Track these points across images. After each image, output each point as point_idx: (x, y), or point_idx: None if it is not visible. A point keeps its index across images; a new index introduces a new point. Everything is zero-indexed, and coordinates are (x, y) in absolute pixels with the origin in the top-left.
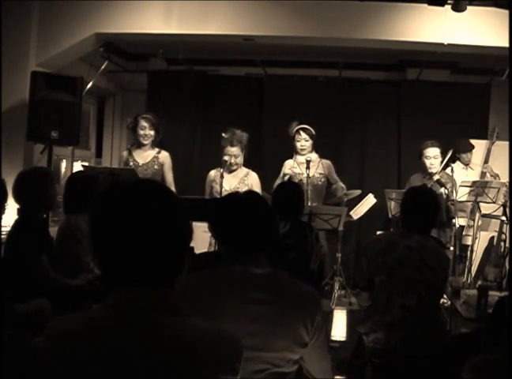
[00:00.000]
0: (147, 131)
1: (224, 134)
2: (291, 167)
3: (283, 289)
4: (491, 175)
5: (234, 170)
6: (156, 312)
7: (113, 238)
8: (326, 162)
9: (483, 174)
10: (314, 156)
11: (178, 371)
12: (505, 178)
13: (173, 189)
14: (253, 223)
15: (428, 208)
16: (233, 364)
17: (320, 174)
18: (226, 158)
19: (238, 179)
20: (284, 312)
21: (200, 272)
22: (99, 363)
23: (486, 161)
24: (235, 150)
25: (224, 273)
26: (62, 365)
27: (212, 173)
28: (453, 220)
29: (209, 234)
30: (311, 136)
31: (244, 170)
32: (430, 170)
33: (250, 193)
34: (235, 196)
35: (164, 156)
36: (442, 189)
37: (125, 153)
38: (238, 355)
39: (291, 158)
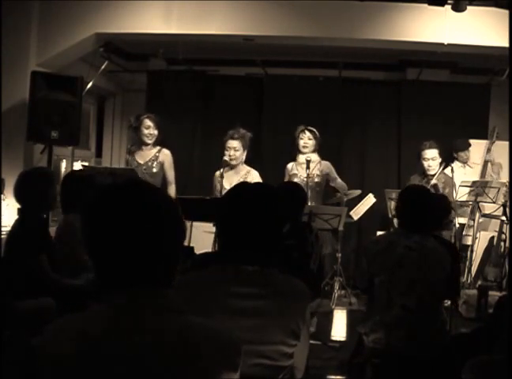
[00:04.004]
0: (151, 130)
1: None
2: (291, 171)
3: (274, 284)
4: (493, 164)
5: (234, 166)
6: (154, 311)
7: (107, 240)
8: (325, 163)
9: (485, 164)
10: (314, 157)
11: (180, 369)
12: (505, 176)
13: (173, 187)
14: (250, 221)
15: (423, 207)
16: (233, 360)
17: (317, 174)
18: (226, 152)
19: (238, 177)
20: (276, 305)
21: (192, 272)
22: (99, 364)
23: (489, 151)
24: (235, 143)
25: (216, 271)
26: (61, 368)
27: (217, 173)
28: (452, 222)
29: (209, 234)
30: (315, 137)
31: (245, 168)
32: (428, 172)
33: (258, 187)
34: (239, 190)
35: (165, 155)
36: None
37: (126, 155)
38: (237, 352)
39: (292, 160)
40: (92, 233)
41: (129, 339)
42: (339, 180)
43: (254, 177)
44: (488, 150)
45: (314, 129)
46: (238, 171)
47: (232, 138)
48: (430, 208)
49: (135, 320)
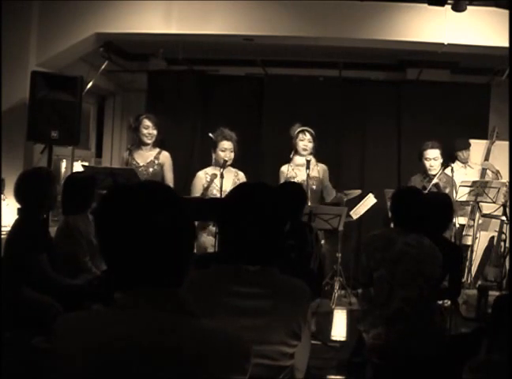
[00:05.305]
0: (150, 130)
1: (211, 134)
2: (288, 173)
3: (275, 284)
4: (492, 172)
5: (228, 166)
6: (165, 311)
7: (119, 240)
8: (322, 166)
9: (483, 171)
10: (311, 159)
11: (189, 371)
12: (505, 176)
13: None
14: (251, 221)
15: (415, 208)
16: (243, 366)
17: (314, 177)
18: (221, 152)
19: (230, 180)
20: (277, 306)
21: (192, 272)
22: (108, 363)
23: (486, 159)
24: (229, 143)
25: (216, 271)
26: (69, 364)
27: (201, 174)
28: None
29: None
30: (314, 139)
31: (232, 170)
32: (429, 172)
33: (258, 187)
34: (240, 190)
35: (165, 156)
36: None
37: (125, 154)
38: (247, 357)
39: (287, 162)
40: (104, 233)
41: (138, 340)
42: (330, 186)
43: (243, 178)
44: (488, 150)
45: (312, 131)
46: (227, 174)
47: (226, 139)
48: (423, 209)
49: (146, 321)
